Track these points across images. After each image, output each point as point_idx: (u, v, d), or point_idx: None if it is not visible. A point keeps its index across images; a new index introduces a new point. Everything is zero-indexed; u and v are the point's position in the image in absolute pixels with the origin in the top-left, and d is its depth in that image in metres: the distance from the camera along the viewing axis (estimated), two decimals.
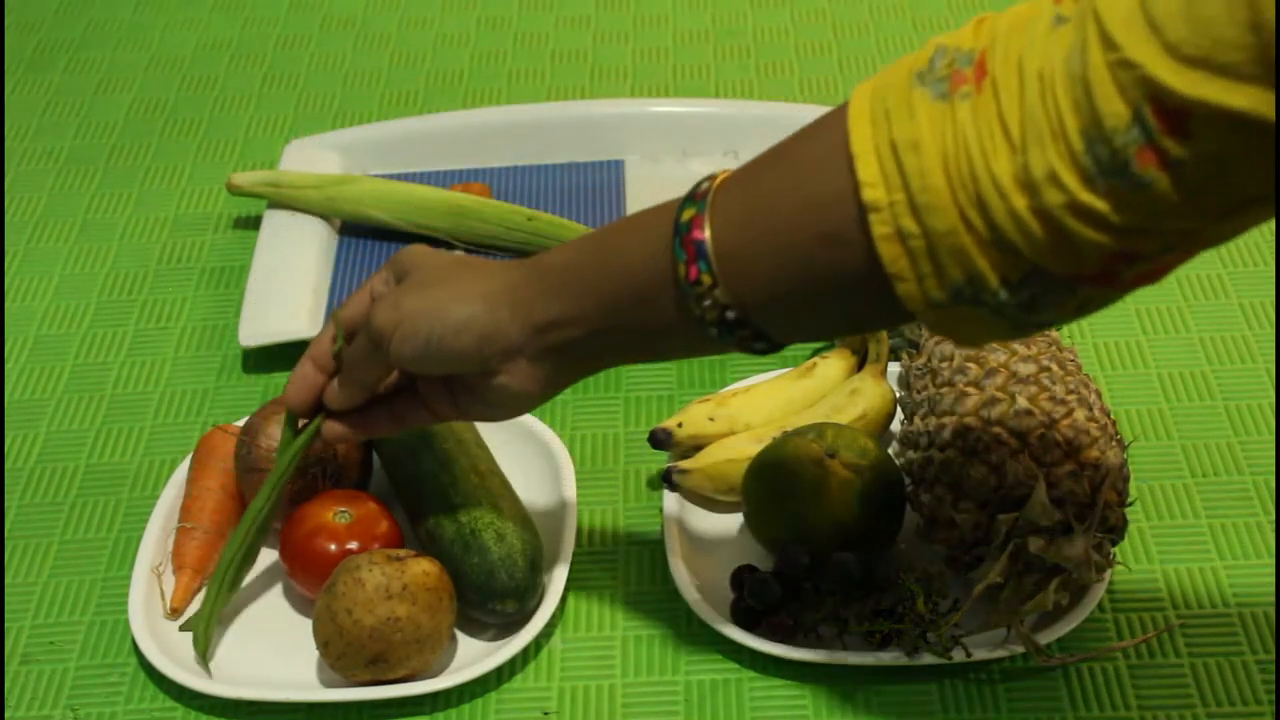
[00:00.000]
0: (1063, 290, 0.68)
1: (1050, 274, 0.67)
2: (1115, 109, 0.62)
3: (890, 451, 1.00)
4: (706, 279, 0.74)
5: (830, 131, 0.71)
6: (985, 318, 0.69)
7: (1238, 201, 0.63)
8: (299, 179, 1.25)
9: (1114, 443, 0.91)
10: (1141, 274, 0.68)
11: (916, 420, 0.95)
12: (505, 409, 0.86)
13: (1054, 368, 0.92)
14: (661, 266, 0.76)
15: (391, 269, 0.87)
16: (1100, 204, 0.64)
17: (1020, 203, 0.65)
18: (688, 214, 0.75)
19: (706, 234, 0.74)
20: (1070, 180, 0.63)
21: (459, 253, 1.00)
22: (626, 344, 0.82)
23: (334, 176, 1.26)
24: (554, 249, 0.83)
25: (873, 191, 0.68)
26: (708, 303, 0.75)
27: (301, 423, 0.92)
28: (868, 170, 0.68)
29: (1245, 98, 0.59)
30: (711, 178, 0.76)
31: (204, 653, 0.93)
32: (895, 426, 1.05)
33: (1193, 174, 0.62)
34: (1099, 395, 0.93)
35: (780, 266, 0.73)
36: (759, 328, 0.76)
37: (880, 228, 0.68)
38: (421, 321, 0.82)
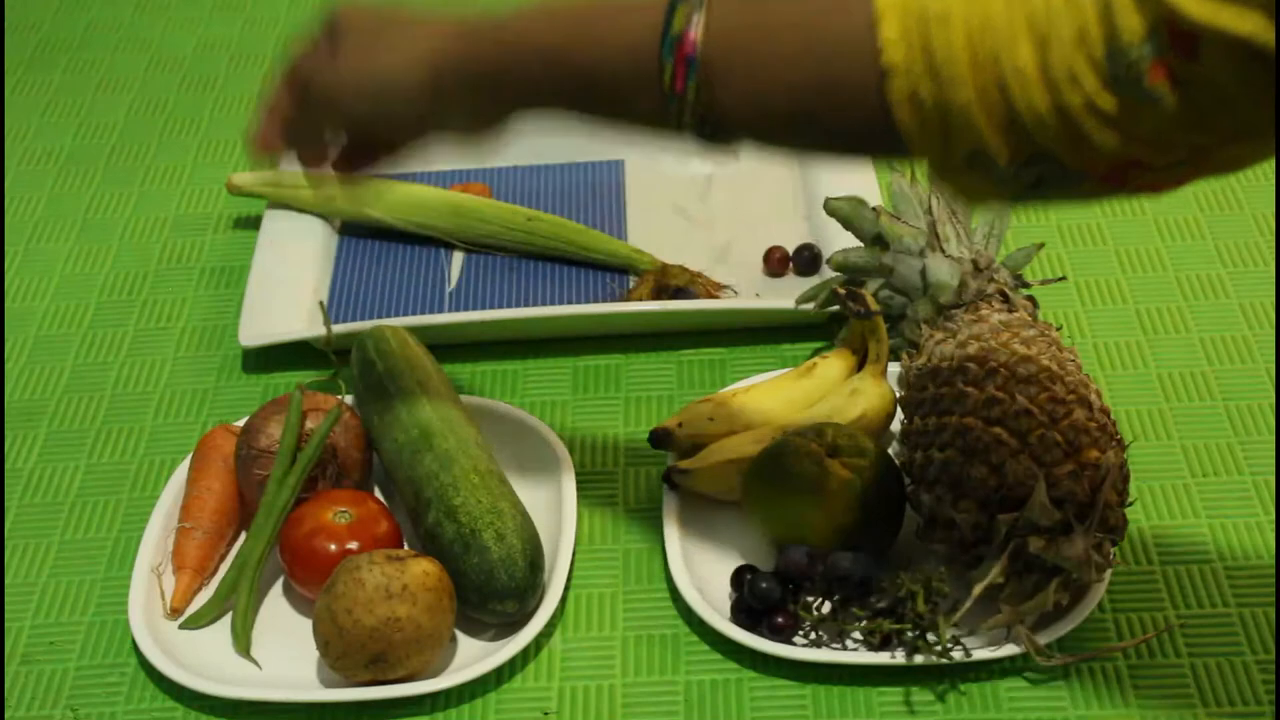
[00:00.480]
0: (1071, 179, 0.70)
1: (1061, 163, 0.69)
2: (1132, 24, 0.64)
3: (890, 451, 1.00)
4: (693, 93, 0.74)
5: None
6: (988, 184, 0.72)
7: (1244, 127, 0.66)
8: (299, 179, 1.25)
9: (1114, 443, 0.91)
10: (1150, 183, 0.70)
11: (916, 420, 0.95)
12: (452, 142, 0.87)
13: (1054, 368, 0.92)
14: (645, 68, 0.75)
15: (323, 31, 0.87)
16: (1113, 108, 0.66)
17: (1039, 95, 0.67)
18: (679, 20, 0.74)
19: (698, 49, 0.73)
20: (1090, 83, 0.66)
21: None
22: (581, 114, 0.81)
23: (334, 176, 1.26)
24: (495, 17, 0.81)
25: (893, 52, 0.69)
26: (687, 114, 0.75)
27: (309, 418, 0.92)
28: (890, 28, 0.69)
29: (1251, 23, 0.61)
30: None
31: (245, 650, 0.94)
32: (895, 426, 1.05)
33: (1200, 95, 0.64)
34: (1099, 395, 0.93)
35: (776, 96, 0.73)
36: (738, 138, 0.76)
37: (897, 92, 0.69)
38: (366, 87, 0.84)
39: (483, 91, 0.82)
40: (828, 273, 1.17)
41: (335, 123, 0.88)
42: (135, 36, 1.56)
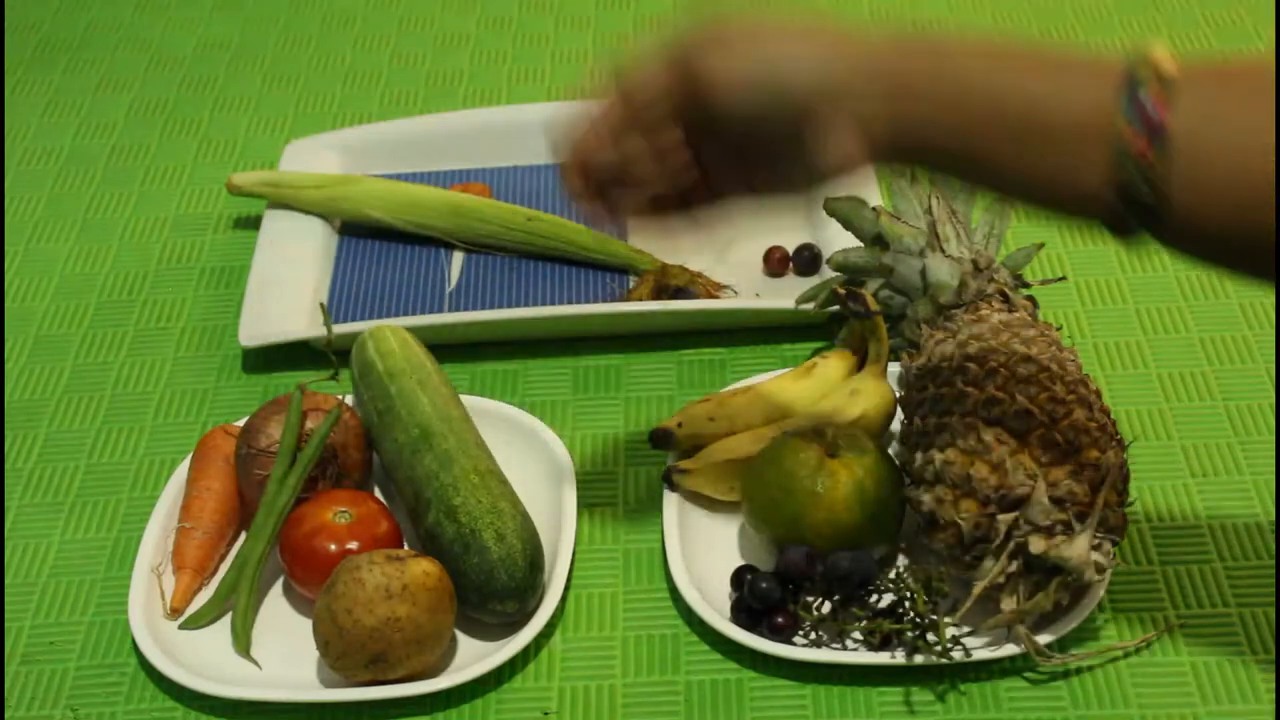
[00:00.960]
0: None
1: None
2: None
3: (890, 451, 1.00)
4: (1151, 160, 0.70)
5: None
6: None
7: None
8: (299, 179, 1.25)
9: (1114, 443, 0.91)
10: None
11: (916, 420, 0.95)
12: (810, 180, 0.77)
13: (1054, 368, 0.92)
14: (1086, 116, 0.72)
15: (676, 46, 0.76)
16: None
17: None
18: (1143, 85, 0.71)
19: (1167, 119, 0.70)
20: None
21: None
22: (991, 167, 0.75)
23: (334, 176, 1.26)
24: (961, 41, 0.76)
25: None
26: (1138, 179, 0.71)
27: (309, 418, 0.92)
28: None
29: None
30: (1149, 58, 0.72)
31: (245, 650, 0.94)
32: (895, 426, 1.05)
33: None
34: (1099, 395, 0.93)
35: (1242, 180, 0.70)
36: (1164, 227, 0.72)
37: None
38: (760, 76, 0.72)
39: (899, 110, 0.74)
40: (828, 273, 1.17)
41: (700, 130, 0.75)
42: (135, 36, 1.56)
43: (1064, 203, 0.75)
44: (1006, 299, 1.01)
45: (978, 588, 0.88)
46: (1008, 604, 0.89)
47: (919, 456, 0.93)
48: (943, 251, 1.03)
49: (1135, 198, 0.72)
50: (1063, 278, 1.10)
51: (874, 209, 1.06)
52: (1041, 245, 1.07)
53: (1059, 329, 0.99)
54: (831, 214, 1.09)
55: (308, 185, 1.25)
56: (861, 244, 1.08)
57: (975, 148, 0.74)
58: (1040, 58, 0.75)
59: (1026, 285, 1.05)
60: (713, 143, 0.77)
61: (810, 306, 1.11)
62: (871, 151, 0.76)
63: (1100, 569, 0.89)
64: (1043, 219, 0.78)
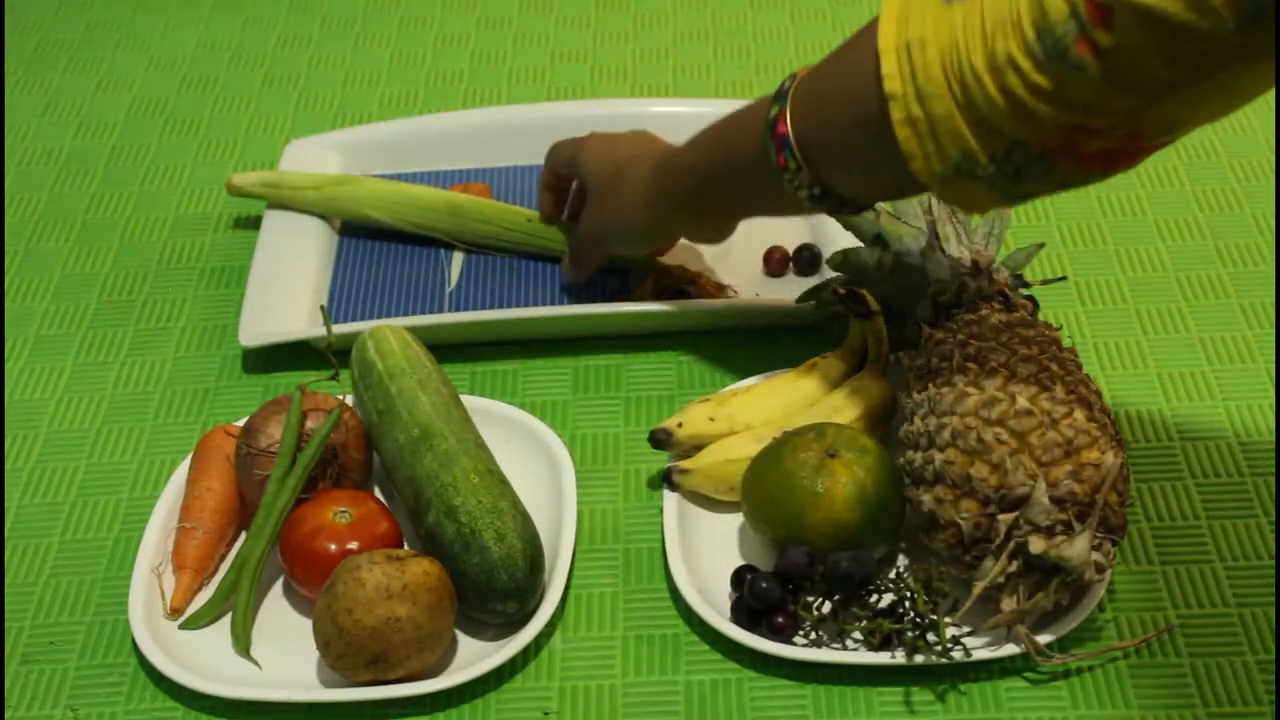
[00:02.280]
0: (1040, 163, 0.81)
1: (1026, 147, 0.80)
2: (1057, 4, 0.75)
3: (890, 451, 1.00)
4: (793, 164, 0.92)
5: (867, 36, 0.85)
6: (981, 189, 0.84)
7: (1162, 86, 0.75)
8: (299, 179, 1.25)
9: (1114, 443, 0.91)
10: (1104, 151, 0.80)
11: (916, 420, 0.95)
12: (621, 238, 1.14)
13: (1054, 368, 0.92)
14: (760, 157, 0.94)
15: (567, 169, 1.17)
16: (1047, 83, 0.77)
17: (990, 84, 0.79)
18: (774, 111, 0.93)
19: (788, 128, 0.91)
20: (1025, 64, 0.77)
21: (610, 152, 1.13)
22: (747, 210, 1.06)
23: (334, 177, 1.26)
24: (680, 150, 1.06)
25: (891, 83, 0.83)
26: (797, 182, 0.93)
27: (310, 418, 0.92)
28: (889, 65, 0.83)
29: None
30: (793, 76, 0.93)
31: (245, 650, 0.94)
32: (896, 426, 1.05)
33: (1118, 60, 0.74)
34: (1099, 395, 0.93)
35: (838, 147, 0.90)
36: (839, 195, 0.93)
37: (896, 114, 0.83)
38: (605, 234, 1.14)
39: (686, 213, 1.07)
40: (828, 273, 1.17)
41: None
42: (135, 36, 1.56)
43: (788, 211, 1.03)
44: (1006, 299, 1.01)
45: (978, 588, 0.89)
46: (1008, 604, 0.89)
47: (919, 456, 0.93)
48: (943, 251, 1.03)
49: (814, 195, 0.93)
50: (1063, 278, 1.10)
51: (875, 210, 1.06)
52: (1042, 245, 1.07)
53: (1059, 329, 0.99)
54: (832, 214, 1.09)
55: (307, 186, 1.25)
56: (862, 244, 1.08)
57: (717, 202, 1.05)
58: (731, 124, 1.01)
59: (1026, 285, 1.05)
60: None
61: (810, 306, 1.11)
62: (707, 230, 1.11)
63: (1100, 569, 0.89)
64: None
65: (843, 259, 1.08)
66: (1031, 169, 0.81)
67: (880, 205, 1.07)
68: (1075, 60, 0.75)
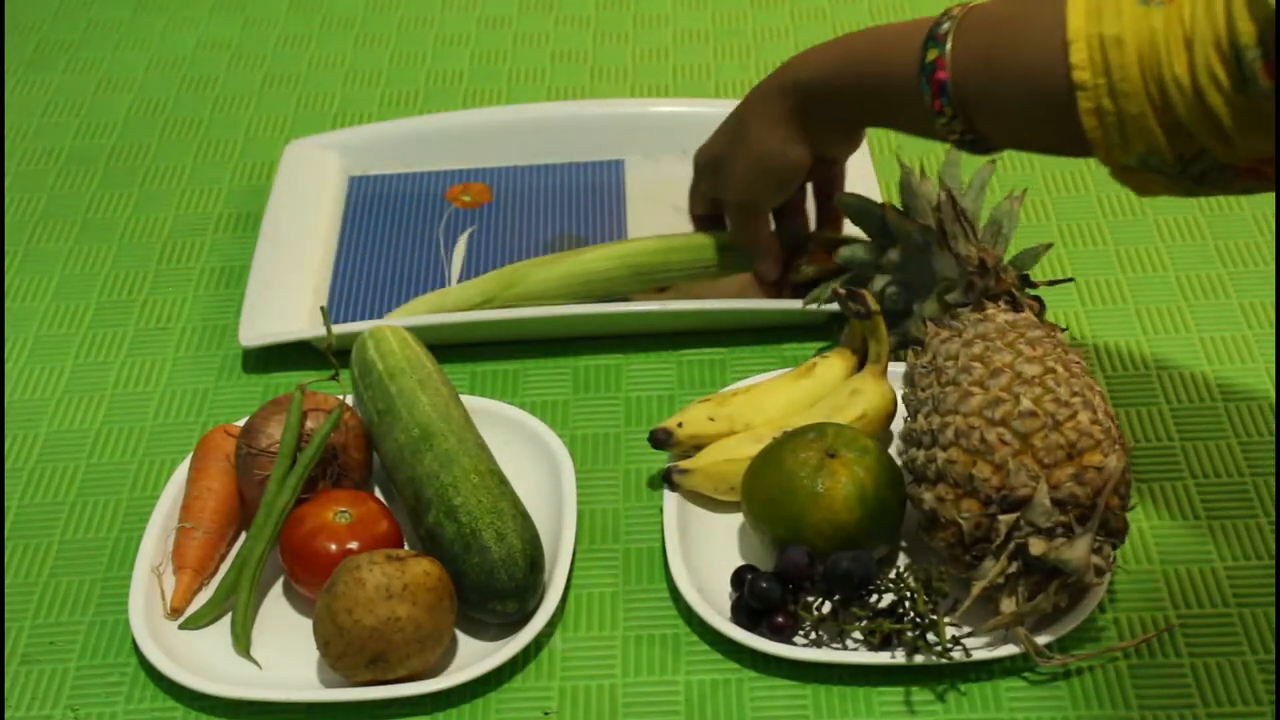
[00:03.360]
0: (1226, 172, 0.83)
1: (1216, 155, 0.82)
2: (1247, 28, 0.76)
3: (892, 449, 1.00)
4: (948, 110, 0.93)
5: (1046, 12, 0.86)
6: (1161, 181, 0.86)
7: None
8: (463, 300, 1.16)
9: (1117, 446, 0.91)
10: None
11: (920, 418, 0.95)
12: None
13: (1059, 369, 0.92)
14: (911, 90, 0.95)
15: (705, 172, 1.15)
16: (1246, 106, 0.78)
17: (1192, 96, 0.80)
18: (931, 55, 0.93)
19: (948, 75, 0.93)
20: (1225, 83, 0.78)
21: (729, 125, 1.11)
22: (883, 125, 1.07)
23: (496, 281, 1.17)
24: (804, 60, 1.06)
25: (1081, 74, 0.84)
26: (950, 127, 0.94)
27: (310, 418, 0.92)
28: (1079, 56, 0.84)
29: None
30: (949, 15, 0.94)
31: (245, 650, 0.94)
32: (896, 426, 1.05)
33: None
34: (1104, 399, 0.93)
35: (1003, 108, 0.92)
36: (990, 143, 0.95)
37: (1085, 103, 0.84)
38: (752, 183, 1.11)
39: (820, 124, 1.07)
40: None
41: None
42: (135, 36, 1.56)
43: (927, 137, 1.00)
44: (1013, 299, 1.00)
45: (977, 587, 0.89)
46: (1007, 605, 0.89)
47: (921, 454, 0.93)
48: (950, 249, 1.03)
49: (965, 140, 0.95)
50: (1070, 279, 1.09)
51: (883, 205, 1.06)
52: (1049, 246, 1.07)
53: (1064, 330, 0.99)
54: (842, 208, 1.09)
55: (475, 303, 1.16)
56: (866, 240, 1.08)
57: (856, 119, 1.07)
58: (880, 49, 1.01)
59: (1033, 285, 1.05)
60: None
61: (815, 306, 1.11)
62: (852, 136, 1.12)
63: (1100, 572, 0.89)
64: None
65: (850, 255, 1.08)
66: (1216, 175, 0.84)
67: (890, 202, 1.07)
68: (1263, 88, 0.77)
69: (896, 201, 1.08)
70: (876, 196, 1.16)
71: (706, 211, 1.18)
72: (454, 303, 1.16)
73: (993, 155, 0.99)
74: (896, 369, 1.06)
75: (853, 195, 1.08)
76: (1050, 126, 0.88)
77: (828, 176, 1.16)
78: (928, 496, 0.92)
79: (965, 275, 1.01)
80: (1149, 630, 0.94)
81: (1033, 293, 1.04)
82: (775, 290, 1.16)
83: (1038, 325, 0.97)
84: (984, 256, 1.02)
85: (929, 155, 1.30)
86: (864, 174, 1.23)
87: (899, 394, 1.02)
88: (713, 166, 1.13)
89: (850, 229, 1.13)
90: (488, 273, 1.18)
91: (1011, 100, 0.91)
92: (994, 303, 1.00)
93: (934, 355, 0.97)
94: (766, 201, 1.13)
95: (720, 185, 1.13)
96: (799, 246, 1.15)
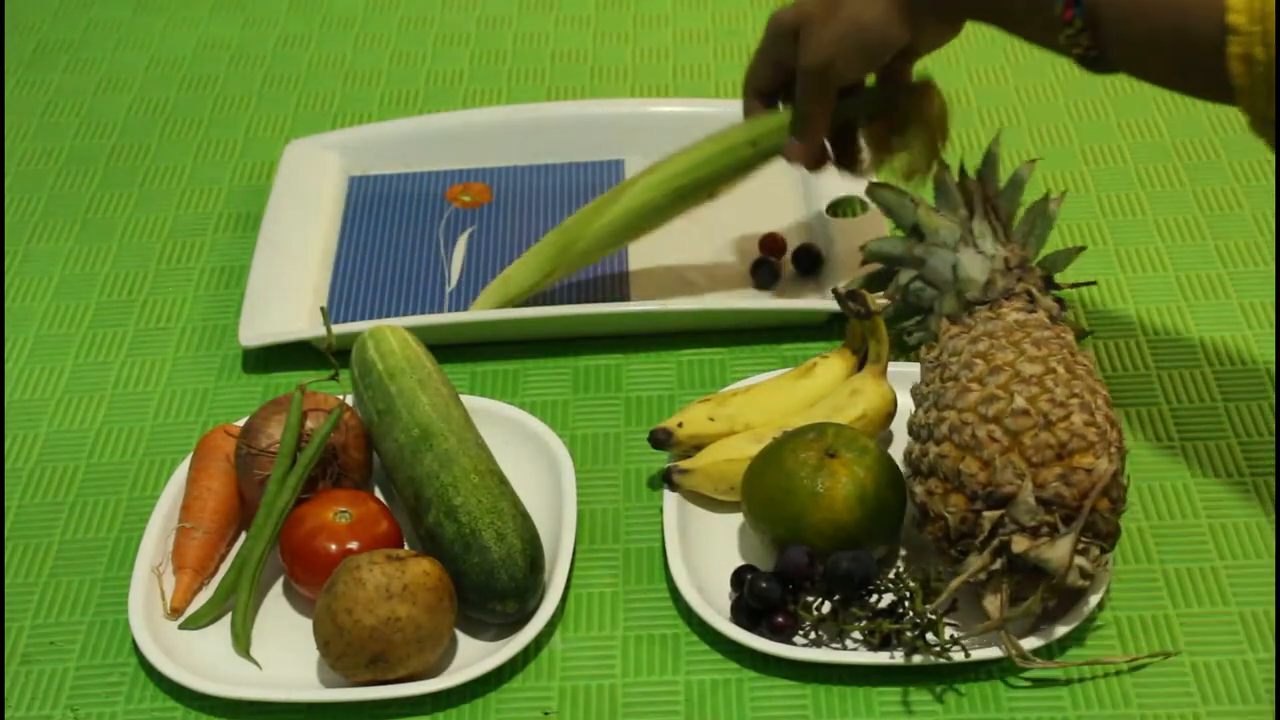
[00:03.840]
0: None
1: None
2: None
3: (896, 449, 1.00)
4: (1078, 22, 0.92)
5: None
6: None
7: None
8: (525, 279, 1.16)
9: (1112, 449, 0.90)
10: None
11: (920, 412, 0.95)
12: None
13: (1060, 370, 0.92)
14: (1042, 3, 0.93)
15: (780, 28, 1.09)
16: None
17: None
18: None
19: None
20: None
21: None
22: (994, 21, 1.01)
23: (554, 245, 1.16)
24: None
25: (1236, 17, 0.83)
26: (1075, 40, 0.93)
27: (310, 418, 0.92)
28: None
29: None
30: None
31: (245, 650, 0.94)
32: (897, 426, 1.05)
33: None
34: (1106, 402, 0.93)
35: (1141, 36, 0.90)
36: (1113, 66, 0.94)
37: (1235, 49, 0.84)
38: (835, 51, 1.05)
39: (948, 6, 1.04)
40: (828, 273, 1.18)
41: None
42: (135, 36, 1.56)
43: (1038, 43, 0.98)
44: (1032, 299, 1.00)
45: (955, 581, 0.88)
46: (990, 602, 0.89)
47: (917, 448, 0.93)
48: (976, 248, 1.03)
49: (1087, 57, 0.94)
50: (1093, 282, 1.09)
51: (914, 200, 1.06)
52: (1082, 249, 1.06)
53: (1090, 333, 0.98)
54: (874, 200, 1.09)
55: (540, 278, 1.16)
56: (901, 231, 1.08)
57: (992, 16, 1.01)
58: None
59: (1057, 287, 1.05)
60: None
61: (811, 306, 1.10)
62: (947, 29, 1.08)
63: (1085, 574, 0.89)
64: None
65: (877, 248, 1.08)
66: None
67: (921, 197, 1.07)
68: None
69: (929, 198, 1.08)
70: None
71: (767, 85, 1.12)
72: (516, 285, 1.15)
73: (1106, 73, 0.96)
74: (897, 369, 1.06)
75: (886, 187, 1.08)
76: (1191, 66, 0.87)
77: (901, 65, 1.10)
78: (919, 490, 0.92)
79: (988, 273, 1.01)
80: (1149, 630, 0.94)
81: (1056, 294, 1.03)
82: (809, 163, 1.11)
83: (1047, 326, 0.97)
84: (1009, 255, 1.02)
85: (968, 154, 1.30)
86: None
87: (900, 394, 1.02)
88: (796, 27, 1.07)
89: (836, 234, 1.13)
90: (536, 246, 1.17)
91: (1153, 29, 0.89)
92: (1009, 302, 1.00)
93: (942, 351, 0.97)
94: (850, 73, 1.07)
95: (803, 49, 1.07)
96: (845, 134, 1.12)
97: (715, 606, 0.94)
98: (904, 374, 1.05)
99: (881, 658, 0.91)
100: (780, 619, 0.92)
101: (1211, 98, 0.89)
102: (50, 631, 0.98)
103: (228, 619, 0.96)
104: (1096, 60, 0.94)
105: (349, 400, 1.05)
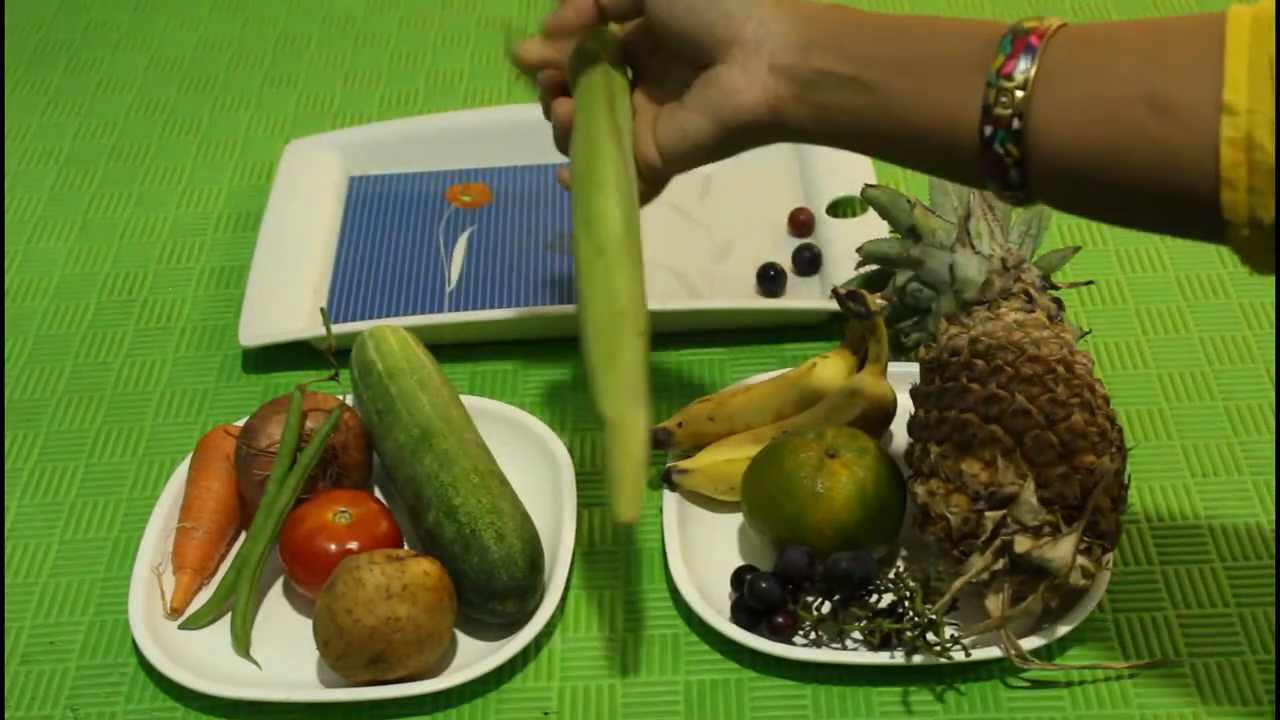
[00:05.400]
0: None
1: None
2: None
3: (894, 448, 1.00)
4: (1009, 160, 0.74)
5: (1200, 33, 0.69)
6: None
7: None
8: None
9: (1113, 449, 0.91)
10: None
11: (920, 412, 0.95)
12: (710, 112, 0.85)
13: (1060, 370, 0.92)
14: (978, 54, 0.75)
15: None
16: None
17: None
18: (1027, 29, 0.74)
19: (1037, 43, 0.73)
20: None
21: None
22: (878, 129, 0.80)
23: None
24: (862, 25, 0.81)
25: (1234, 94, 0.67)
26: (998, 181, 0.76)
27: (310, 418, 0.92)
28: (1235, 70, 0.67)
29: None
30: (1040, 24, 0.74)
31: (245, 650, 0.94)
32: (897, 426, 1.05)
33: None
34: (1106, 401, 0.93)
35: (1097, 190, 0.73)
36: (1038, 188, 0.76)
37: (1230, 130, 0.67)
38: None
39: (810, 52, 0.82)
40: (827, 273, 1.18)
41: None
42: (135, 36, 1.56)
43: (941, 137, 0.77)
44: (1030, 299, 1.00)
45: (958, 582, 0.89)
46: (992, 602, 0.89)
47: (918, 449, 0.93)
48: (973, 248, 1.03)
49: (999, 122, 0.74)
50: (1090, 281, 1.09)
51: (910, 201, 1.06)
52: (1078, 249, 1.06)
53: (1088, 333, 0.98)
54: (868, 201, 1.09)
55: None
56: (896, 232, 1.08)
57: (870, 80, 0.79)
58: (940, 22, 0.81)
59: (1055, 287, 1.05)
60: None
61: (811, 306, 1.10)
62: (776, 100, 0.83)
63: (1087, 574, 0.89)
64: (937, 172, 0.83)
65: (873, 248, 1.08)
66: None
67: (916, 198, 1.07)
68: None
69: (925, 199, 1.08)
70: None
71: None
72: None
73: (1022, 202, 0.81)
74: (896, 369, 1.06)
75: (882, 189, 1.08)
76: (1161, 167, 0.71)
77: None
78: (920, 490, 0.92)
79: (986, 273, 1.01)
80: (1148, 630, 0.94)
81: (1054, 294, 1.03)
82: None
83: (1047, 325, 0.97)
84: (1006, 256, 1.02)
85: None
86: (864, 171, 1.23)
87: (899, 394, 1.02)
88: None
89: (835, 234, 1.13)
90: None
91: (1117, 128, 0.72)
92: (1008, 302, 1.00)
93: (940, 351, 0.97)
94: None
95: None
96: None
97: (715, 606, 0.94)
98: (904, 374, 1.05)
99: (881, 658, 0.91)
100: (780, 619, 0.92)
101: (1195, 238, 0.76)
102: (50, 631, 0.98)
103: (227, 619, 0.96)
104: (1025, 201, 0.78)
105: (349, 400, 1.05)
